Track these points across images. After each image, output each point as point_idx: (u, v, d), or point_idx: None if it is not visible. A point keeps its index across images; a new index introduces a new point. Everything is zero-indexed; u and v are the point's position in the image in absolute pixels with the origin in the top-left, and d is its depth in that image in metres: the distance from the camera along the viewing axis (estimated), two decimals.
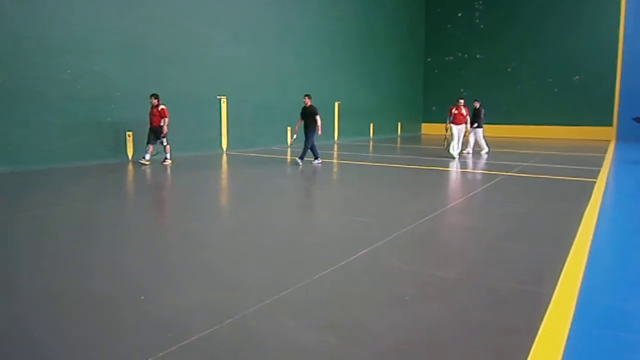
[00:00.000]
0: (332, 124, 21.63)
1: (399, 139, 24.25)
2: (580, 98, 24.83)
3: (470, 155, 15.34)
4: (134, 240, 5.57)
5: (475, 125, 15.53)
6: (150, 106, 11.84)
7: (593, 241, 5.37)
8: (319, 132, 12.25)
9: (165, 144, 11.93)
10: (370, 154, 16.38)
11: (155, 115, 11.72)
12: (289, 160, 13.85)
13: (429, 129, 29.48)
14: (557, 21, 25.52)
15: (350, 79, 22.51)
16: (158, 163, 11.99)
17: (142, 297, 3.68)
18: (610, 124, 24.53)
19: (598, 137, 24.03)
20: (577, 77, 25.09)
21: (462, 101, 14.52)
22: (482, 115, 15.67)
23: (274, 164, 12.86)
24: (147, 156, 11.82)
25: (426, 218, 6.47)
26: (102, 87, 12.09)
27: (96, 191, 8.68)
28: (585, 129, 24.81)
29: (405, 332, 3.19)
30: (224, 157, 14.63)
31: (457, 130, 14.12)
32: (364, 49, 23.51)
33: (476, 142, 15.88)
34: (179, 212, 7.26)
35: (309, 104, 12.43)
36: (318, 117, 12.14)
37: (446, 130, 14.65)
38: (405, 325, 3.27)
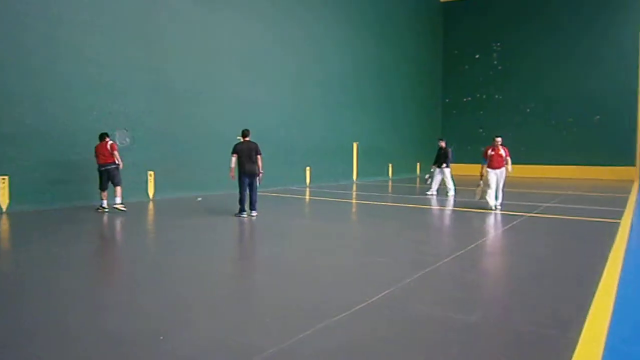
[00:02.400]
0: (351, 164, 21.78)
1: (417, 179, 24.19)
2: (601, 138, 24.65)
3: (435, 196, 15.01)
4: (149, 279, 5.58)
5: (444, 165, 15.17)
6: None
7: (619, 284, 5.22)
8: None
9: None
10: (389, 194, 16.33)
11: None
12: (307, 199, 13.87)
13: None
14: (575, 61, 25.63)
15: (369, 119, 22.75)
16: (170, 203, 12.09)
17: (161, 337, 3.66)
18: (633, 164, 24.21)
19: (620, 177, 23.69)
20: (597, 116, 24.98)
21: (499, 140, 11.82)
22: (449, 155, 15.31)
23: (294, 202, 12.89)
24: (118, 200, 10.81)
25: (447, 259, 6.38)
26: (125, 126, 12.38)
27: (120, 230, 8.76)
28: (607, 169, 24.51)
29: None
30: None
31: (496, 175, 11.68)
32: (383, 90, 23.82)
33: (443, 182, 15.42)
34: (208, 250, 7.28)
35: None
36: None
37: (481, 176, 12.02)
38: None
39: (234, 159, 10.03)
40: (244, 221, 9.62)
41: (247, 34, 16.05)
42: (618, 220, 9.86)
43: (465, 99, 29.27)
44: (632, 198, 14.69)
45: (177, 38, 13.78)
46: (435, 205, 12.86)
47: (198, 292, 4.98)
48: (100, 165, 10.71)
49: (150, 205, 12.12)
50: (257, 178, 10.17)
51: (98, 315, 4.25)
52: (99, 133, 10.89)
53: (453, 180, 15.46)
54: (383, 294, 4.78)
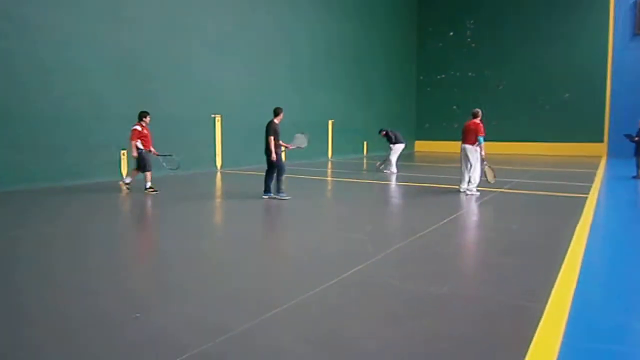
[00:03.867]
0: (326, 142, 21.79)
1: None
2: (571, 115, 25.10)
3: (395, 173, 14.87)
4: (128, 258, 5.56)
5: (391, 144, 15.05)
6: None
7: (585, 256, 5.41)
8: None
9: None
10: (364, 171, 16.44)
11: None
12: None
13: (422, 146, 29.69)
14: (547, 40, 25.90)
15: (344, 97, 22.69)
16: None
17: (137, 314, 3.68)
18: (601, 141, 24.77)
19: (589, 154, 24.22)
20: (567, 94, 25.40)
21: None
22: (391, 136, 15.07)
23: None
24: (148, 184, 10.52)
25: (419, 234, 6.50)
26: (93, 106, 12.13)
27: (87, 211, 8.65)
28: (576, 146, 25.03)
29: (397, 348, 3.20)
30: (218, 175, 14.65)
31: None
32: (358, 68, 23.75)
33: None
34: (172, 230, 7.25)
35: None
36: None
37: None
38: (397, 342, 3.28)
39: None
40: (215, 200, 9.60)
41: (217, 13, 15.78)
42: (585, 195, 10.14)
43: (439, 76, 29.41)
44: (599, 173, 15.08)
45: (144, 18, 13.45)
46: (408, 182, 12.99)
47: (177, 272, 4.99)
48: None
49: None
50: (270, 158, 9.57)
51: (82, 296, 4.23)
52: (139, 111, 10.62)
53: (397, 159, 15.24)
54: (356, 268, 4.86)
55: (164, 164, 11.02)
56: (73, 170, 11.77)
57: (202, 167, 15.22)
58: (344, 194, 11.16)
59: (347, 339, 3.32)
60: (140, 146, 10.35)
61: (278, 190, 9.60)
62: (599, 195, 10.53)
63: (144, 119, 10.55)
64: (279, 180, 9.63)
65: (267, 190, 9.67)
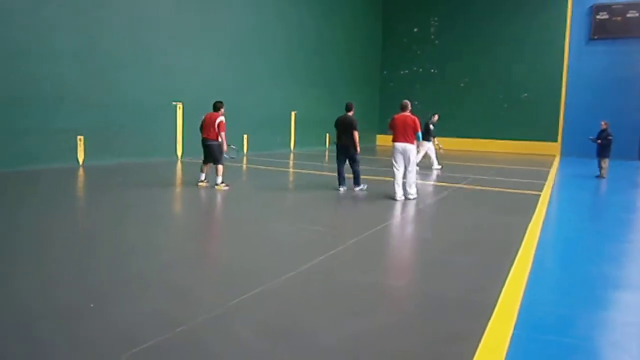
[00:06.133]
0: (289, 133, 21.76)
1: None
2: (528, 114, 25.82)
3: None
4: (85, 247, 5.43)
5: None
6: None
7: (536, 251, 5.60)
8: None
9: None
10: (325, 164, 16.50)
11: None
12: (244, 168, 13.80)
13: (383, 140, 29.95)
14: (507, 40, 26.52)
15: (307, 89, 22.67)
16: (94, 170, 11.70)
17: (92, 305, 3.61)
18: (556, 140, 25.63)
19: (544, 152, 25.04)
20: (525, 94, 26.12)
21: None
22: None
23: (229, 171, 12.75)
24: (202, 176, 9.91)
25: (377, 228, 6.58)
26: (53, 91, 11.73)
27: (45, 197, 8.39)
28: (532, 144, 25.80)
29: (353, 341, 3.24)
30: (179, 164, 14.42)
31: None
32: (322, 60, 23.74)
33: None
34: (130, 218, 7.11)
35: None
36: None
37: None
38: (353, 335, 3.33)
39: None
40: (175, 190, 9.46)
41: (180, 2, 15.48)
42: (539, 193, 10.48)
43: (402, 72, 29.72)
44: (553, 172, 15.61)
45: (107, 2, 13.06)
46: (371, 176, 13.11)
47: (136, 262, 4.90)
48: (203, 139, 9.71)
49: (80, 171, 11.64)
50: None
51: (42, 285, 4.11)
52: (214, 102, 9.87)
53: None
54: (315, 261, 4.89)
55: (225, 155, 10.22)
56: (32, 155, 11.38)
57: (162, 155, 14.95)
58: (303, 186, 11.17)
59: (306, 332, 3.35)
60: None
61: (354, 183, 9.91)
62: (552, 192, 10.89)
63: (222, 109, 9.82)
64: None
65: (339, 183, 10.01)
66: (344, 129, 9.84)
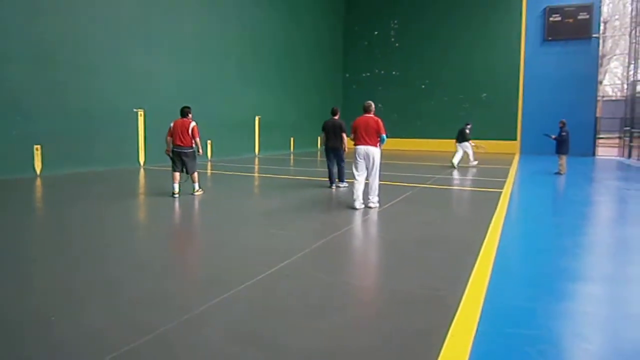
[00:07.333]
0: (253, 138, 21.67)
1: (318, 153, 24.59)
2: (488, 114, 26.43)
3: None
4: (42, 257, 5.27)
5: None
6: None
7: (499, 247, 5.73)
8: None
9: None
10: (290, 167, 16.48)
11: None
12: (209, 174, 13.65)
13: (347, 142, 30.16)
14: (465, 42, 27.13)
15: (271, 93, 22.65)
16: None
17: (52, 318, 3.50)
18: (515, 138, 26.29)
19: (504, 151, 25.69)
20: (484, 94, 26.73)
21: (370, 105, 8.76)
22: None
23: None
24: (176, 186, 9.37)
25: (343, 230, 6.62)
26: (7, 98, 11.37)
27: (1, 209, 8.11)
28: (492, 143, 26.39)
29: (322, 341, 3.25)
30: (141, 171, 14.16)
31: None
32: (284, 64, 23.76)
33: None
34: (89, 226, 6.94)
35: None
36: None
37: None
38: (322, 335, 3.33)
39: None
40: (135, 197, 9.28)
41: (143, 5, 15.26)
42: (500, 190, 10.73)
43: (364, 74, 30.00)
44: (512, 170, 16.00)
45: (64, 7, 12.74)
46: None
47: (99, 270, 4.78)
48: (175, 147, 9.27)
49: (38, 182, 11.29)
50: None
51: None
52: (181, 107, 9.45)
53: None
54: (283, 263, 4.88)
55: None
56: None
57: (124, 163, 14.67)
58: (269, 190, 11.14)
59: (275, 334, 3.33)
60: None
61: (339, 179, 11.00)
62: (513, 189, 11.17)
63: (190, 114, 9.47)
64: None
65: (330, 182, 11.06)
66: (333, 132, 10.68)
